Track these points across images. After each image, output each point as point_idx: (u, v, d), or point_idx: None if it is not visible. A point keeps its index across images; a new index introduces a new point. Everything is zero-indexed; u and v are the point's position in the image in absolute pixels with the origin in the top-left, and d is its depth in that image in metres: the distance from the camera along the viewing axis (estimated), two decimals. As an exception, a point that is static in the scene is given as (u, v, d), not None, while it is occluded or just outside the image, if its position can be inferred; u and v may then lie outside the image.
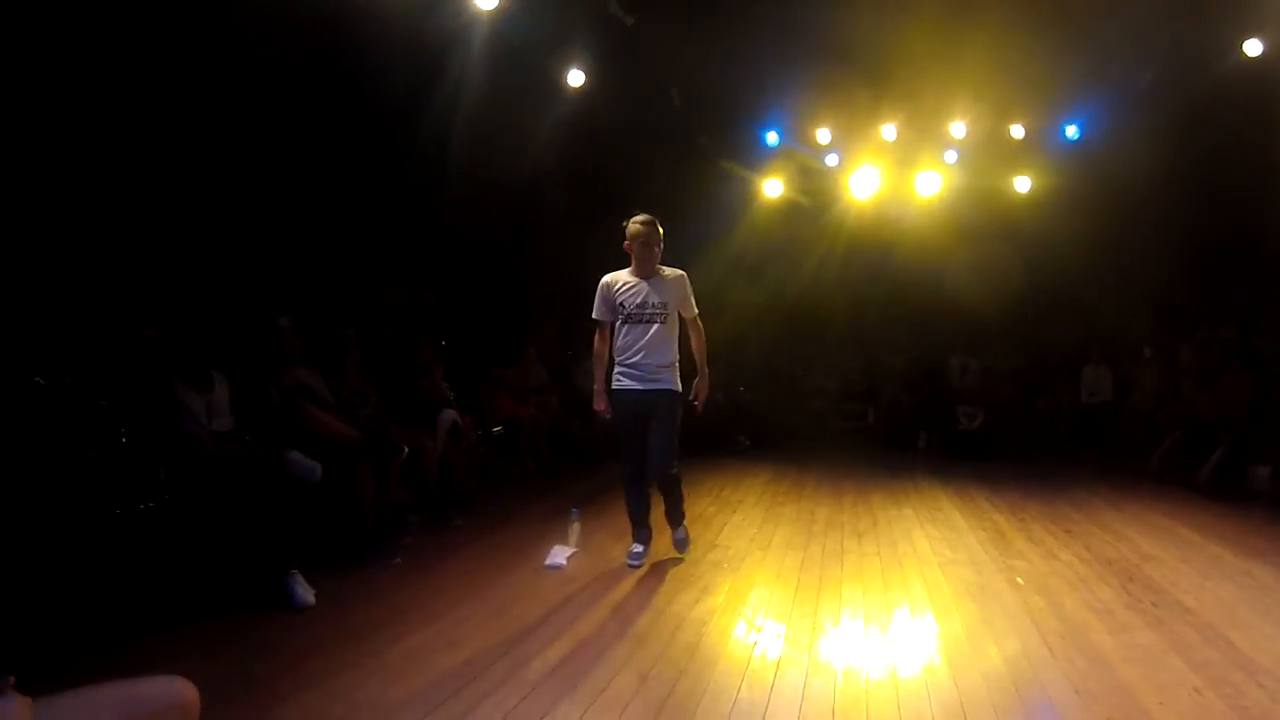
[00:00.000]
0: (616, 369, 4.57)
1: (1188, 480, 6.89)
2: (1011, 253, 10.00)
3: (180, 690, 1.79)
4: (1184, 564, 4.69)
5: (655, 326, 4.49)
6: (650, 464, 4.55)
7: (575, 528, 4.95)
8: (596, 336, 4.69)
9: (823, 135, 10.10)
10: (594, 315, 4.64)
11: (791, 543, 5.26)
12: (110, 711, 1.66)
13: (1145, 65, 8.27)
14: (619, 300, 4.54)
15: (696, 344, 4.77)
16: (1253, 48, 7.30)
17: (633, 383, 4.52)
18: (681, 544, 4.87)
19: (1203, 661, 3.25)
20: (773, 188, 10.74)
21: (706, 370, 4.75)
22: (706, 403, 4.77)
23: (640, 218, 4.50)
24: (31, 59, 4.44)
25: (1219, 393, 7.28)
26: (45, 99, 4.55)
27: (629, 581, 4.33)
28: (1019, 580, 4.42)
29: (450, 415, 6.04)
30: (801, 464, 8.40)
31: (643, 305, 4.51)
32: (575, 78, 7.79)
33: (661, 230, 4.52)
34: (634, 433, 4.56)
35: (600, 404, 4.69)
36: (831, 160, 10.44)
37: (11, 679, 1.58)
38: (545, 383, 8.03)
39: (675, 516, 4.88)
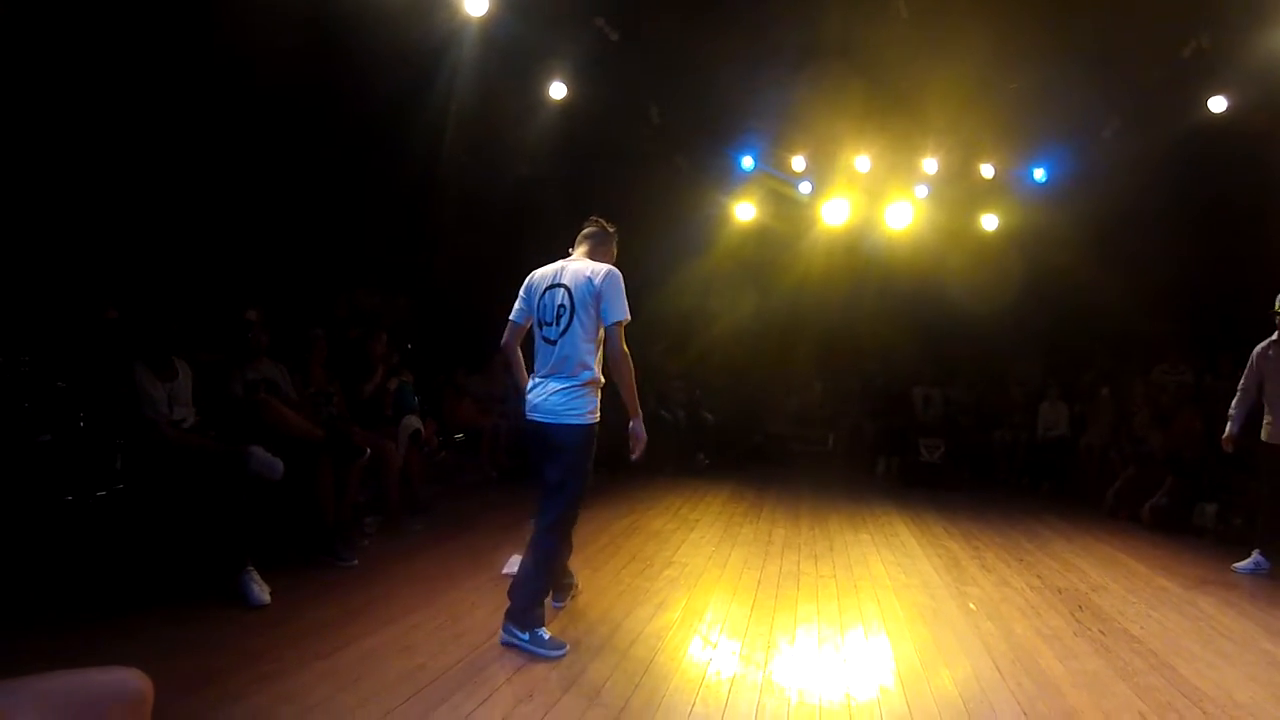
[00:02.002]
0: (599, 389, 3.59)
1: (1139, 515, 7.05)
2: (976, 288, 10.18)
3: (133, 682, 1.74)
4: (1131, 594, 4.80)
5: None
6: None
7: (535, 537, 4.91)
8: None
9: (797, 162, 10.18)
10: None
11: (748, 562, 5.28)
12: (61, 701, 1.62)
13: (1111, 114, 8.55)
14: None
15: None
16: (1217, 104, 7.58)
17: None
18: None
19: (1147, 687, 3.33)
20: (745, 211, 10.79)
21: None
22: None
23: None
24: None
25: (1171, 432, 7.47)
26: (17, 82, 4.49)
27: (585, 594, 4.30)
28: (971, 606, 4.48)
29: (412, 421, 6.01)
30: (760, 485, 8.45)
31: None
32: (558, 89, 7.84)
33: None
34: None
35: None
36: (805, 188, 10.54)
37: None
38: (510, 391, 7.99)
39: None
